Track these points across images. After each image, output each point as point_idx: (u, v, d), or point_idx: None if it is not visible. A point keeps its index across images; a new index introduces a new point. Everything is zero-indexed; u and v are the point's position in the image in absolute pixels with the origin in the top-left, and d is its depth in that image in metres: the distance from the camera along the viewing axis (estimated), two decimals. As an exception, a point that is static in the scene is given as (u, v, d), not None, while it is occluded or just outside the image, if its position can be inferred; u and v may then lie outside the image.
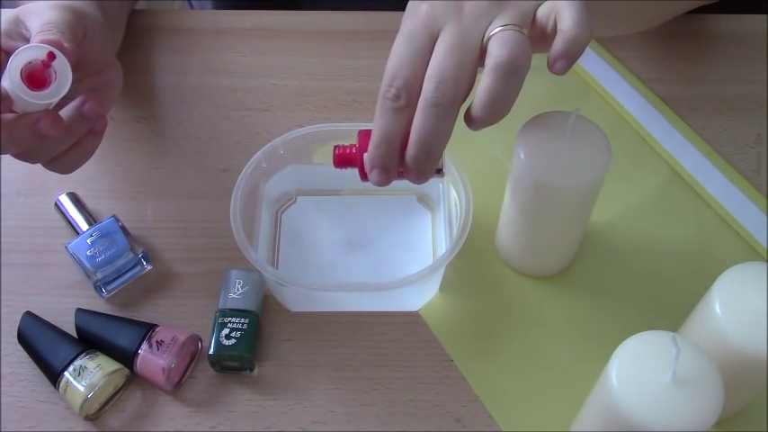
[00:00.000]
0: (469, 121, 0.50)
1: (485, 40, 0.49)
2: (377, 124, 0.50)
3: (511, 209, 0.60)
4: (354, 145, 0.54)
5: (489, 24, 0.49)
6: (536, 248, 0.63)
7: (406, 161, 0.51)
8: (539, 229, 0.60)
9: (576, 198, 0.57)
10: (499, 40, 0.48)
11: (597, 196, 0.59)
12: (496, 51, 0.48)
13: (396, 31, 0.79)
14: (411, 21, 0.51)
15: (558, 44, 0.48)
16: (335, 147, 0.55)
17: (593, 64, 0.77)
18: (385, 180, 0.52)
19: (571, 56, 0.48)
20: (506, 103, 0.49)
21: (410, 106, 0.49)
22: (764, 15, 0.79)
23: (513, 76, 0.48)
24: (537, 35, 0.51)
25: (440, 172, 0.53)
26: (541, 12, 0.51)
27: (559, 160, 0.55)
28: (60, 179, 0.69)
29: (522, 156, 0.55)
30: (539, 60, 0.77)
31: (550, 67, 0.49)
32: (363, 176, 0.53)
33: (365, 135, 0.52)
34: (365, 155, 0.52)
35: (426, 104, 0.48)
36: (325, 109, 0.74)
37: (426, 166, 0.51)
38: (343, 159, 0.54)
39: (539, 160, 0.55)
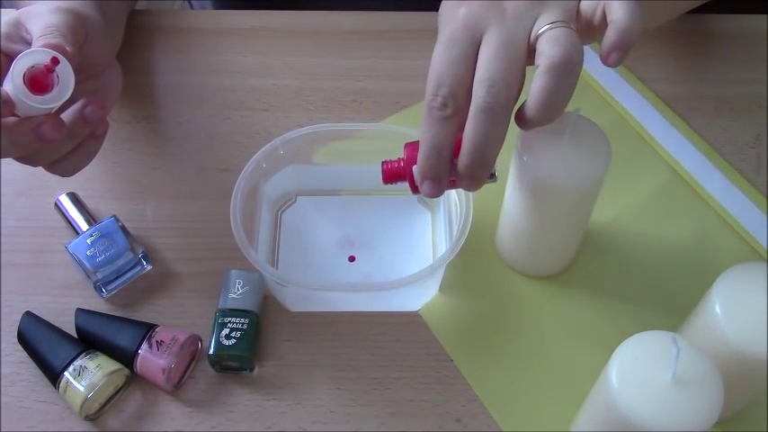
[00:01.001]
0: (522, 122, 0.49)
1: (531, 39, 0.48)
2: (425, 135, 0.49)
3: (511, 209, 0.60)
4: (402, 159, 0.53)
5: (534, 22, 0.48)
6: (536, 248, 0.63)
7: (458, 170, 0.49)
8: (539, 229, 0.60)
9: (576, 198, 0.57)
10: (550, 38, 0.47)
11: (597, 196, 0.59)
12: (549, 51, 0.47)
13: (396, 31, 0.79)
14: (450, 25, 0.50)
15: (612, 36, 0.47)
16: (383, 162, 0.54)
17: (593, 64, 0.77)
18: (437, 191, 0.50)
19: (625, 47, 0.47)
20: (562, 103, 0.48)
21: (458, 114, 0.48)
22: (764, 15, 0.79)
23: (568, 74, 0.47)
24: (583, 28, 0.50)
25: (492, 177, 0.51)
26: (586, 5, 0.50)
27: (559, 160, 0.55)
28: (60, 179, 0.69)
29: (523, 156, 0.55)
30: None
31: (605, 59, 0.48)
32: (414, 189, 0.52)
33: (412, 147, 0.51)
34: (415, 167, 0.51)
35: (478, 110, 0.47)
36: (324, 109, 0.74)
37: (480, 173, 0.49)
38: (392, 174, 0.53)
39: (539, 160, 0.55)
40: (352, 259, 0.65)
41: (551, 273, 0.65)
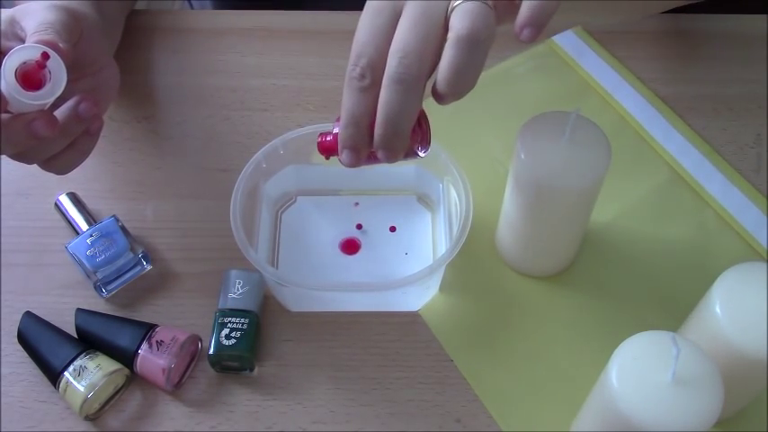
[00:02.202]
0: (436, 96, 0.49)
1: (449, 12, 0.48)
2: (344, 105, 0.49)
3: (511, 209, 0.60)
4: (333, 132, 0.52)
5: None
6: (536, 248, 0.63)
7: (374, 140, 0.49)
8: (539, 229, 0.60)
9: (576, 198, 0.57)
10: (461, 11, 0.47)
11: (597, 196, 0.59)
12: (458, 24, 0.46)
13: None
14: None
15: (524, 12, 0.47)
16: (319, 134, 0.53)
17: (593, 64, 0.77)
18: (355, 161, 0.51)
19: (538, 23, 0.46)
20: (471, 77, 0.47)
21: (376, 85, 0.48)
22: (764, 15, 0.79)
23: (475, 48, 0.46)
24: (504, 5, 0.49)
25: (416, 153, 0.51)
26: None
27: (559, 160, 0.55)
28: (60, 179, 0.69)
29: (523, 156, 0.55)
30: (538, 61, 0.77)
31: (518, 35, 0.47)
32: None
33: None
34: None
35: (390, 81, 0.47)
36: (324, 109, 0.74)
37: (395, 144, 0.49)
38: (326, 147, 0.53)
39: (539, 160, 0.55)
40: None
41: (551, 273, 0.65)
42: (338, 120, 0.51)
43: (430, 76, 0.49)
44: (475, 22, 0.46)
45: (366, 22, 0.49)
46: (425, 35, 0.47)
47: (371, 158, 0.51)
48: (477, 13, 0.46)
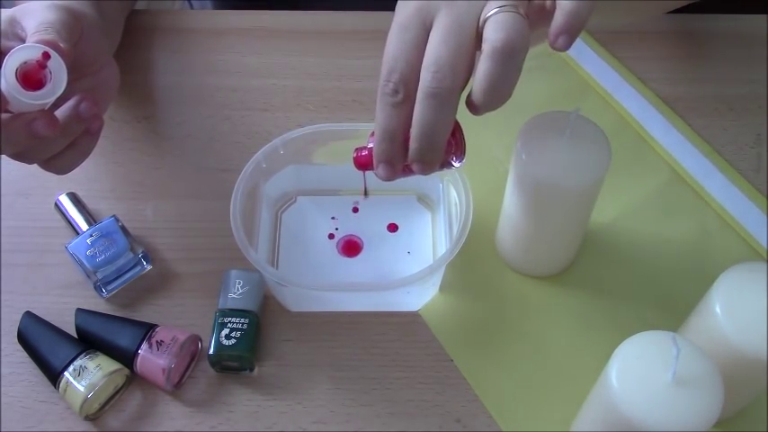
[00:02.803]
0: (471, 107, 0.49)
1: (480, 24, 0.48)
2: (378, 120, 0.50)
3: (511, 209, 0.60)
4: (368, 146, 0.53)
5: (484, 7, 0.48)
6: (536, 248, 0.63)
7: (409, 154, 0.50)
8: (539, 229, 0.60)
9: (576, 198, 0.57)
10: (495, 23, 0.47)
11: (597, 196, 0.59)
12: (492, 35, 0.46)
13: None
14: (403, 12, 0.50)
15: (559, 19, 0.47)
16: (355, 150, 0.54)
17: (593, 64, 0.77)
18: (391, 174, 0.51)
19: (572, 30, 0.47)
20: (506, 88, 0.48)
21: (410, 99, 0.49)
22: (764, 15, 0.79)
23: (510, 60, 0.46)
24: (535, 13, 0.49)
25: (450, 164, 0.52)
26: None
27: (560, 160, 0.55)
28: (60, 179, 0.69)
29: (523, 156, 0.55)
30: (538, 61, 0.77)
31: (552, 43, 0.47)
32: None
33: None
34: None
35: (424, 95, 0.47)
36: (324, 109, 0.74)
37: (430, 157, 0.50)
38: (361, 163, 0.54)
39: (539, 160, 0.55)
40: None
41: (551, 273, 0.65)
42: (372, 134, 0.52)
43: (464, 89, 0.49)
44: (510, 33, 0.46)
45: (395, 37, 0.49)
46: (457, 48, 0.47)
47: (406, 171, 0.51)
48: (510, 24, 0.46)
